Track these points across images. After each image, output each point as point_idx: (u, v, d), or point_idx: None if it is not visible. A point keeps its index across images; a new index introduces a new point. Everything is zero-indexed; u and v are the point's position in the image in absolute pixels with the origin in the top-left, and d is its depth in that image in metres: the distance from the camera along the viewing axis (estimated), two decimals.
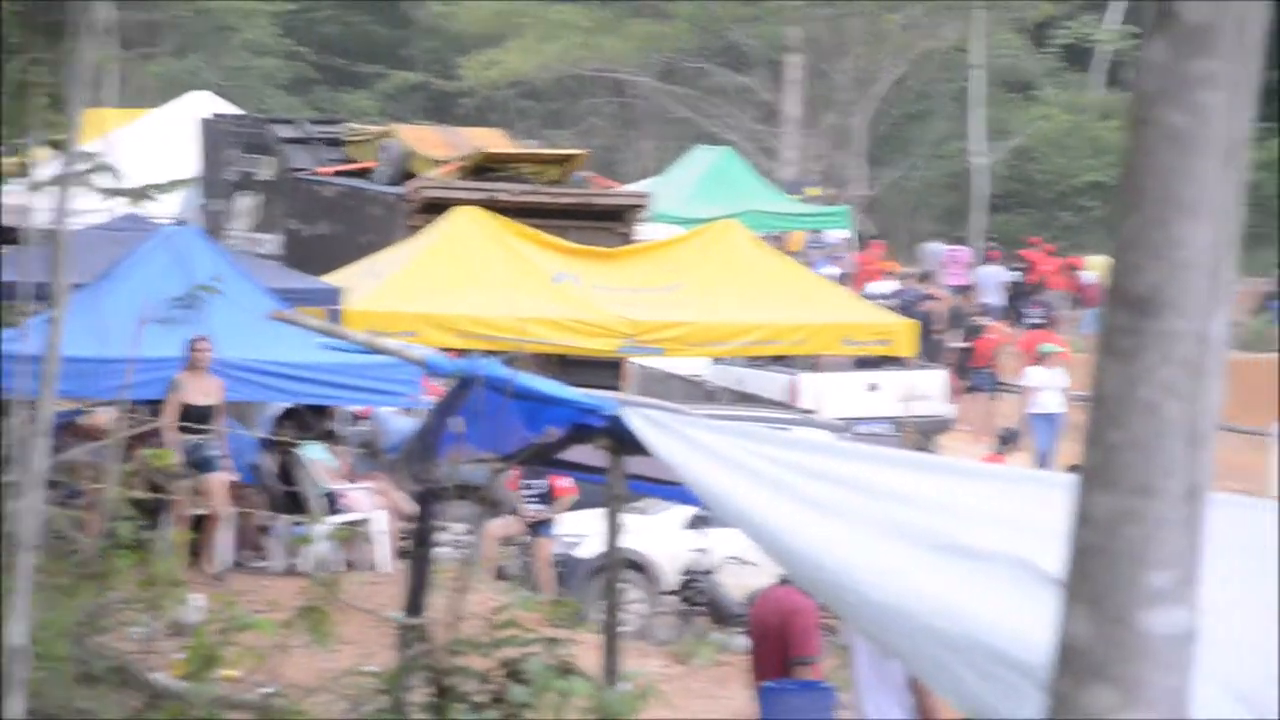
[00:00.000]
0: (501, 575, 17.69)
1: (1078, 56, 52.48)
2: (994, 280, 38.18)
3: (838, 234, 40.41)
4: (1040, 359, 27.14)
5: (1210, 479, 4.03)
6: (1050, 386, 26.54)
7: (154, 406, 16.30)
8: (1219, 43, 3.98)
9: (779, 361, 25.21)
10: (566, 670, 8.03)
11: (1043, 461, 25.35)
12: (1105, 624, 4.02)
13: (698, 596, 17.79)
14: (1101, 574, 4.05)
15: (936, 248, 40.69)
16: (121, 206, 14.02)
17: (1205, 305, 3.98)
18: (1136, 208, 4.06)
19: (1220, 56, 3.98)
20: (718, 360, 25.51)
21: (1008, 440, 22.62)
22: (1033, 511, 6.77)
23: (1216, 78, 3.98)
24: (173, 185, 13.03)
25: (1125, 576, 4.01)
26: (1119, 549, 4.02)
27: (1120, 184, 4.10)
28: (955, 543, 6.75)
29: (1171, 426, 3.97)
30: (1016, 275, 38.89)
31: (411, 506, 13.94)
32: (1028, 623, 5.67)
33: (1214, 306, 3.99)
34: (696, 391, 25.80)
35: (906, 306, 29.70)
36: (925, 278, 35.05)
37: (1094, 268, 38.59)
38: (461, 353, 14.52)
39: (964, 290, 36.48)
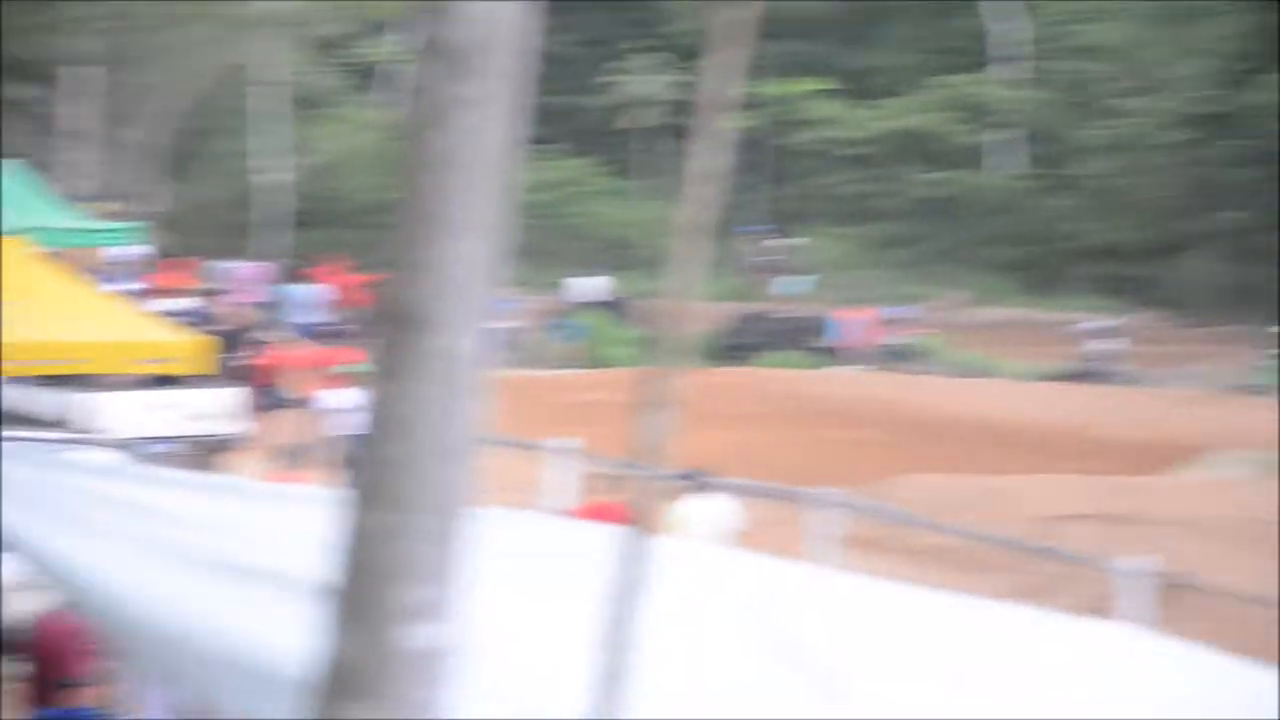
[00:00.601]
0: None
1: (380, 76, 53.04)
2: (294, 298, 38.24)
3: (132, 251, 39.65)
4: (333, 378, 27.25)
5: (468, 495, 4.08)
6: (343, 405, 26.62)
7: None
8: (476, 66, 4.04)
9: (66, 381, 24.58)
10: None
11: (336, 480, 25.39)
12: (367, 640, 4.03)
13: None
14: (364, 591, 4.06)
15: (227, 265, 40.53)
16: None
17: (460, 323, 4.03)
18: (400, 225, 4.10)
19: (477, 79, 4.04)
20: (8, 381, 24.68)
21: (296, 458, 22.64)
22: (310, 529, 6.76)
23: (474, 100, 4.04)
24: None
25: (383, 593, 4.03)
26: (379, 565, 4.05)
27: (394, 202, 4.14)
28: (233, 563, 6.70)
29: (425, 443, 4.00)
30: (315, 292, 39.05)
31: None
32: (300, 640, 5.66)
33: (469, 324, 4.04)
34: None
35: (201, 323, 29.41)
36: (214, 294, 34.87)
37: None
38: None
39: (256, 307, 36.42)
